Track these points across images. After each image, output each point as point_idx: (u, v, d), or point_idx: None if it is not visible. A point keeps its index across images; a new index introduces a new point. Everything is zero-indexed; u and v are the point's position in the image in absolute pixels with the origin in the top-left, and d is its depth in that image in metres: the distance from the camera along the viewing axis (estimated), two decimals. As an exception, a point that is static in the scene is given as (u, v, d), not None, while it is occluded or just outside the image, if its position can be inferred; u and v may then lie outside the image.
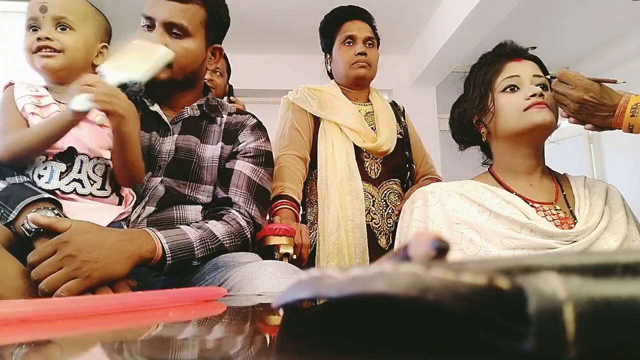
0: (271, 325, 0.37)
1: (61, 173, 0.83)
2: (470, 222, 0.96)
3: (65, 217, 0.78)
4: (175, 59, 1.00)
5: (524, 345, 0.15)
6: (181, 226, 0.90)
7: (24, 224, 0.74)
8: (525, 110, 0.97)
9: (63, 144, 0.83)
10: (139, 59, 0.85)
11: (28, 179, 0.82)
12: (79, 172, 0.84)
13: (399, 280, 0.17)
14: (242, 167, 1.06)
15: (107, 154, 0.89)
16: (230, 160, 1.07)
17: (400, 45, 3.78)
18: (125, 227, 0.88)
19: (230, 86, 1.99)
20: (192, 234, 0.89)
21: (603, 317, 0.15)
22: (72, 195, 0.83)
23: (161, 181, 1.00)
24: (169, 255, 0.83)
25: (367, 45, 1.49)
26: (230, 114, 1.13)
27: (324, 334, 0.26)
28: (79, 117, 0.77)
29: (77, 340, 0.33)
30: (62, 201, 0.80)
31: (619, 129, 0.91)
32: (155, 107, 1.05)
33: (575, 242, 0.93)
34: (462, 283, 0.16)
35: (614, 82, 0.95)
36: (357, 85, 1.53)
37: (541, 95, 0.98)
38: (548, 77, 1.01)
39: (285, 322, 0.33)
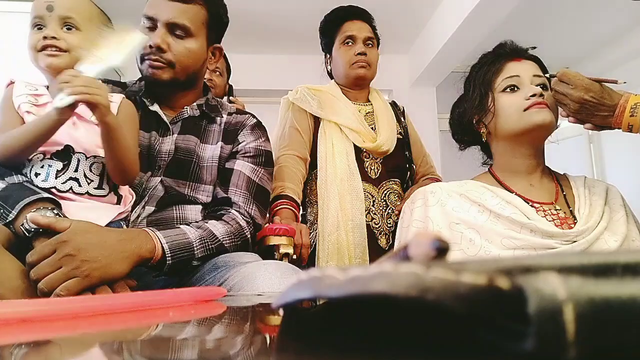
0: (271, 325, 0.37)
1: (57, 171, 0.83)
2: (470, 222, 0.96)
3: (65, 217, 0.78)
4: (178, 59, 1.00)
5: (524, 345, 0.15)
6: (181, 226, 0.90)
7: (23, 224, 0.74)
8: (525, 110, 0.97)
9: (60, 142, 0.83)
10: (114, 46, 0.84)
11: (27, 179, 0.82)
12: (76, 170, 0.84)
13: (399, 280, 0.17)
14: (242, 167, 1.06)
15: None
16: (230, 160, 1.07)
17: (400, 45, 3.78)
18: (124, 226, 0.88)
19: (230, 86, 1.99)
20: (191, 234, 0.89)
21: (603, 317, 0.15)
22: (69, 194, 0.82)
23: (161, 181, 1.00)
24: (169, 255, 0.83)
25: (367, 45, 1.49)
26: (230, 114, 1.13)
27: (324, 334, 0.26)
28: (64, 115, 0.77)
29: (77, 340, 0.33)
30: (59, 200, 0.80)
31: (619, 128, 0.91)
32: (155, 107, 1.05)
33: (575, 242, 0.93)
34: (462, 283, 0.16)
35: (615, 82, 0.95)
36: (357, 85, 1.53)
37: (541, 95, 0.98)
38: (547, 75, 1.01)
39: (285, 322, 0.33)
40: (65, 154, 0.84)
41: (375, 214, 1.42)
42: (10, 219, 0.76)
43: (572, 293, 0.15)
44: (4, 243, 0.73)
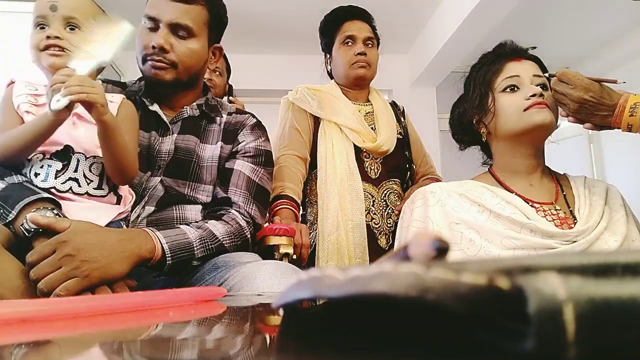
0: (271, 325, 0.37)
1: (57, 172, 0.83)
2: (470, 222, 0.96)
3: (65, 217, 0.78)
4: (181, 59, 1.00)
5: (524, 345, 0.15)
6: (181, 226, 0.90)
7: (23, 224, 0.74)
8: (525, 110, 0.97)
9: (60, 142, 0.83)
10: (102, 40, 0.84)
11: (27, 179, 0.82)
12: (75, 170, 0.84)
13: (399, 280, 0.17)
14: (242, 166, 1.06)
15: None
16: (229, 160, 1.07)
17: (400, 45, 3.78)
18: (124, 226, 0.88)
19: (230, 86, 1.99)
20: (191, 234, 0.89)
21: (603, 317, 0.15)
22: (68, 194, 0.82)
23: (161, 181, 1.00)
24: (169, 255, 0.83)
25: (367, 45, 1.49)
26: (229, 114, 1.13)
27: (324, 334, 0.26)
28: (61, 116, 0.76)
29: (77, 340, 0.33)
30: (59, 201, 0.80)
31: (618, 128, 0.91)
32: (155, 107, 1.05)
33: (575, 242, 0.93)
34: (462, 283, 0.16)
35: (614, 81, 0.95)
36: (357, 85, 1.53)
37: (541, 95, 0.98)
38: (546, 75, 1.01)
39: (285, 322, 0.33)
40: (65, 154, 0.84)
41: (375, 214, 1.42)
42: (10, 219, 0.76)
43: (572, 293, 0.15)
44: (4, 243, 0.73)
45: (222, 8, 1.11)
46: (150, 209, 0.98)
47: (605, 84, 0.93)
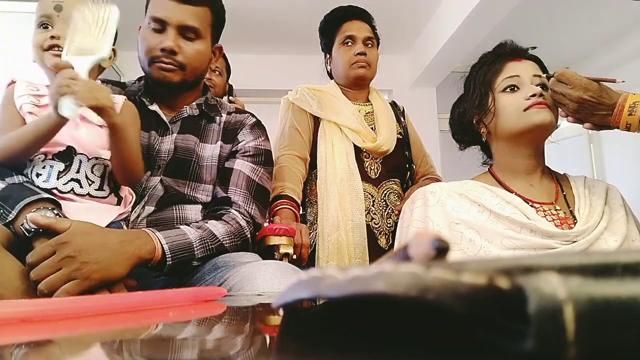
0: (271, 325, 0.37)
1: (59, 172, 0.83)
2: (470, 222, 0.96)
3: (65, 217, 0.78)
4: (189, 61, 1.00)
5: (524, 345, 0.15)
6: (181, 226, 0.90)
7: (23, 224, 0.74)
8: (525, 110, 0.97)
9: (62, 143, 0.83)
10: (95, 35, 0.83)
11: (27, 179, 0.82)
12: (77, 171, 0.84)
13: (399, 280, 0.17)
14: (242, 166, 1.06)
15: (106, 154, 0.88)
16: (229, 160, 1.07)
17: (400, 45, 3.78)
18: (125, 227, 0.88)
19: (230, 86, 1.99)
20: (191, 234, 0.89)
21: (603, 317, 0.15)
22: (70, 195, 0.82)
23: (160, 181, 1.00)
24: (169, 255, 0.83)
25: (366, 45, 1.49)
26: (229, 113, 1.13)
27: (324, 334, 0.26)
28: (66, 118, 0.76)
29: (77, 340, 0.33)
30: (60, 201, 0.80)
31: (617, 127, 0.91)
32: (154, 107, 1.05)
33: (575, 242, 0.93)
34: (462, 283, 0.16)
35: (613, 81, 0.95)
36: (357, 85, 1.53)
37: (541, 95, 0.98)
38: (544, 75, 1.01)
39: (285, 322, 0.33)
40: (67, 155, 0.84)
41: (375, 214, 1.42)
42: (10, 219, 0.75)
43: (572, 293, 0.15)
44: (4, 243, 0.73)
45: (222, 8, 1.12)
46: (150, 208, 0.98)
47: (604, 83, 0.93)
